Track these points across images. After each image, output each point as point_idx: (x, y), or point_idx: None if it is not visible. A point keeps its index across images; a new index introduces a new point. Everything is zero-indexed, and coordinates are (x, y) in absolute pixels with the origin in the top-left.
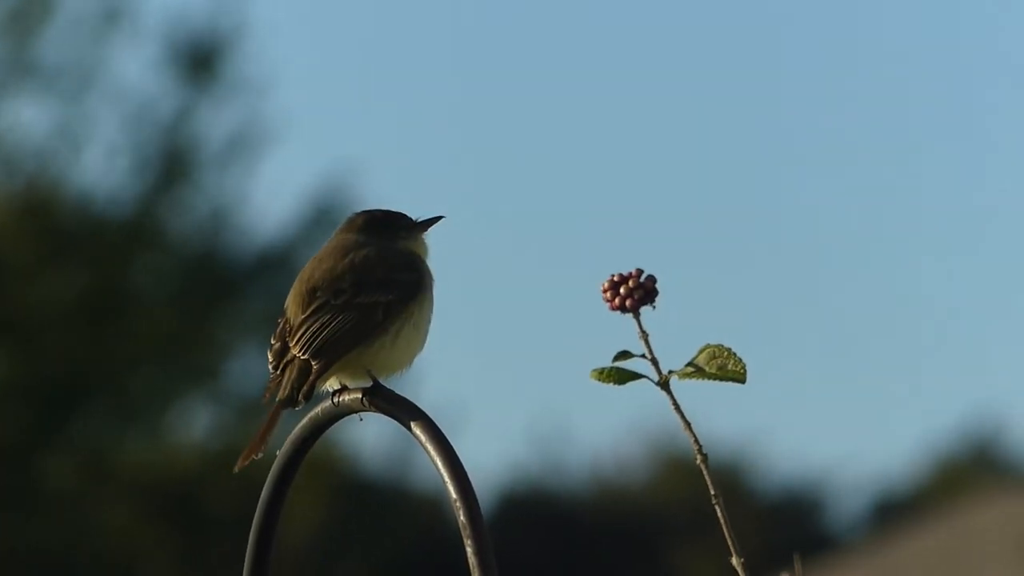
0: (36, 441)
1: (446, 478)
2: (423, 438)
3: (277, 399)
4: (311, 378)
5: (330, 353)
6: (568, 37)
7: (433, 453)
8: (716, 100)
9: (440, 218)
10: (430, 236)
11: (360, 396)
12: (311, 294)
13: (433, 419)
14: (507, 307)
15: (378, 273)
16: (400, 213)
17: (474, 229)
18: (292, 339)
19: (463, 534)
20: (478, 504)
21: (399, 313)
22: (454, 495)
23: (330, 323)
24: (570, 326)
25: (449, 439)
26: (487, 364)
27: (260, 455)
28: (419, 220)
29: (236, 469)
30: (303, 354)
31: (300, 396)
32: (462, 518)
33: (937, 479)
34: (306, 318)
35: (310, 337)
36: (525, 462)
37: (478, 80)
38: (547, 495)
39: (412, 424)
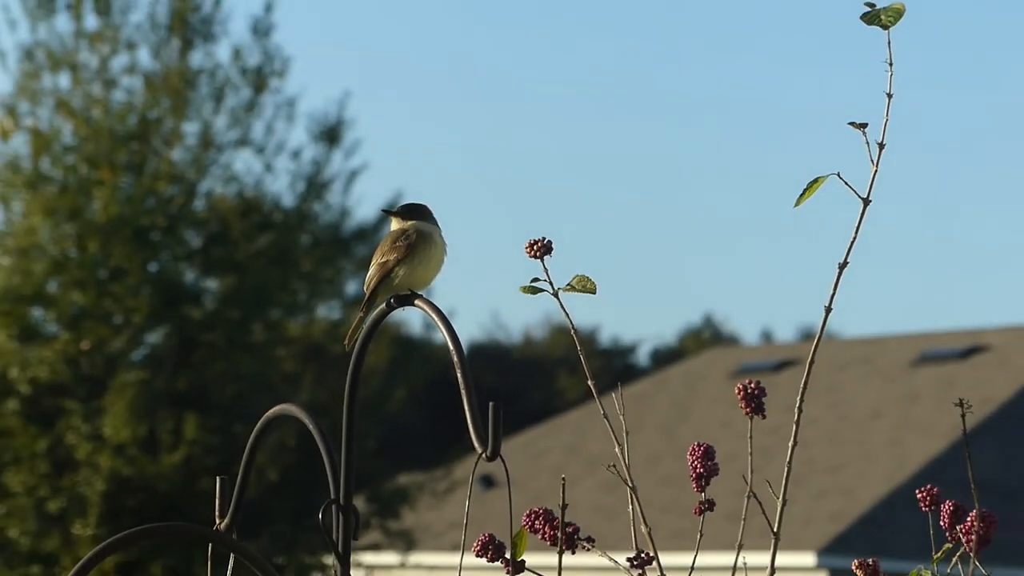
0: (235, 314)
1: (448, 340)
2: (438, 321)
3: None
4: (365, 300)
5: (369, 286)
6: None
7: (443, 329)
8: None
9: (423, 207)
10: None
11: (398, 302)
12: (374, 257)
13: (442, 310)
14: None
15: (387, 245)
16: (418, 205)
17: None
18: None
19: (456, 367)
20: (464, 353)
21: (399, 263)
22: (452, 348)
23: (372, 273)
24: (518, 259)
25: (451, 322)
26: (465, 271)
27: (356, 337)
28: (416, 208)
29: (347, 345)
30: (364, 287)
31: (360, 309)
32: (455, 359)
33: (686, 340)
34: (370, 269)
35: (366, 280)
36: (485, 326)
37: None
38: (495, 347)
39: (429, 312)
